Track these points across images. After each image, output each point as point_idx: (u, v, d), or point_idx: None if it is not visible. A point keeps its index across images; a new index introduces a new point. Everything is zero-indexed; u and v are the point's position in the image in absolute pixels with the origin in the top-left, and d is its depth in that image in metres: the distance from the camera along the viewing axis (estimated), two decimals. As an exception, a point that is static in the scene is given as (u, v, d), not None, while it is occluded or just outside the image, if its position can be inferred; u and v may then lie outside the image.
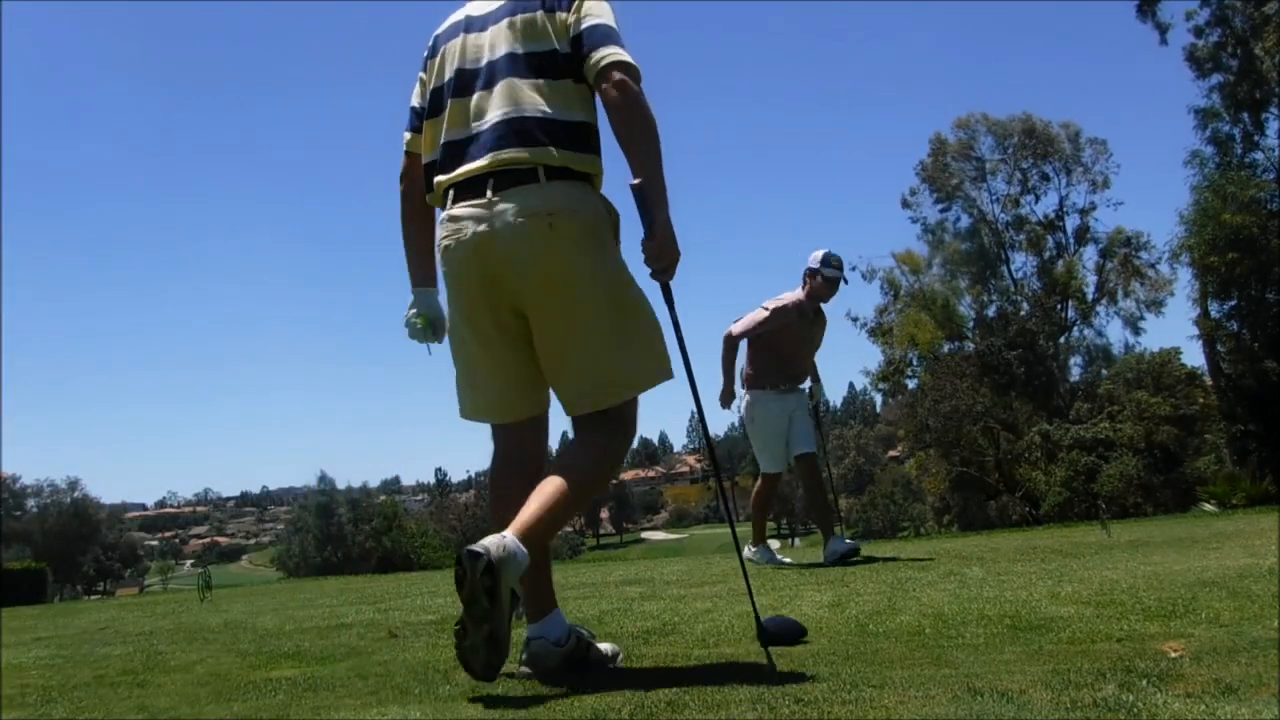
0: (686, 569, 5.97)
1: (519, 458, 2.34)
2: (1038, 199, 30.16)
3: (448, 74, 2.30)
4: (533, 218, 2.13)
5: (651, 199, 2.15)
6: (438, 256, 2.31)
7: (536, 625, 2.23)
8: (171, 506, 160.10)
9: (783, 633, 2.44)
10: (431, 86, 2.35)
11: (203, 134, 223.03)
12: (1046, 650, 2.08)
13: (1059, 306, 29.64)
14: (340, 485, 49.82)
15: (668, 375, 2.30)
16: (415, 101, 2.42)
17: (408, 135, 2.43)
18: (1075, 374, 30.29)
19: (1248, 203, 21.45)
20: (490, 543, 1.94)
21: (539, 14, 2.22)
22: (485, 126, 2.20)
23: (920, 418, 28.46)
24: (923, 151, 31.06)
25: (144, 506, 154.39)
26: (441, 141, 2.28)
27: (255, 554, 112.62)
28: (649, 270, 2.19)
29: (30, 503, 63.85)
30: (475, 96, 2.24)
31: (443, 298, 2.40)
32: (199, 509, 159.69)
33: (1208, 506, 18.03)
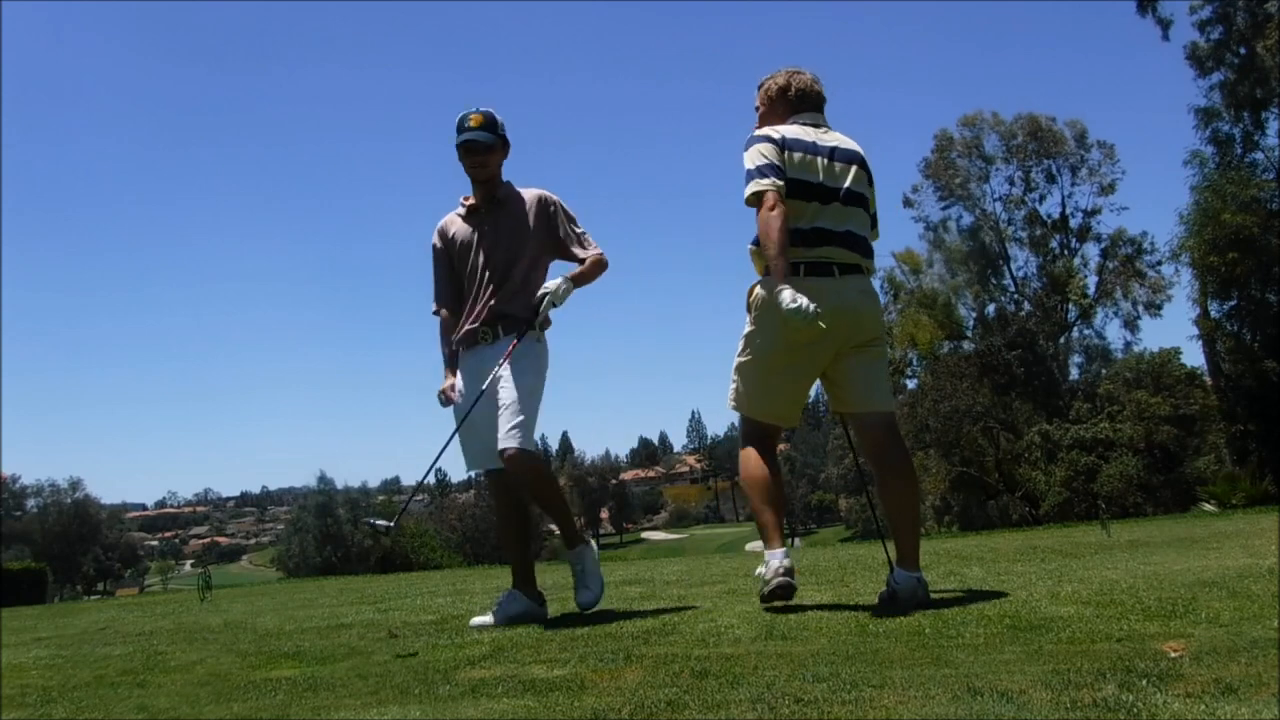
0: (686, 569, 5.98)
1: (771, 450, 3.33)
2: (1042, 199, 30.17)
3: (809, 178, 3.17)
4: (864, 294, 3.23)
5: None
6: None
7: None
8: (171, 507, 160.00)
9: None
10: (798, 177, 3.16)
11: (204, 131, 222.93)
12: (1046, 650, 2.08)
13: (1059, 306, 29.64)
14: (340, 485, 49.81)
15: None
16: (775, 160, 3.15)
17: (774, 182, 3.11)
18: (1075, 374, 30.30)
19: (1248, 203, 21.46)
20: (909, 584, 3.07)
21: (868, 177, 3.32)
22: (839, 230, 3.19)
23: (920, 418, 28.46)
24: (922, 151, 31.08)
25: (144, 507, 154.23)
26: (805, 227, 3.15)
27: (255, 554, 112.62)
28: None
29: (30, 503, 63.87)
30: (832, 206, 3.19)
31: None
32: (199, 509, 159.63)
33: (1208, 506, 18.06)
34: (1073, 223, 29.91)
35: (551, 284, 3.56)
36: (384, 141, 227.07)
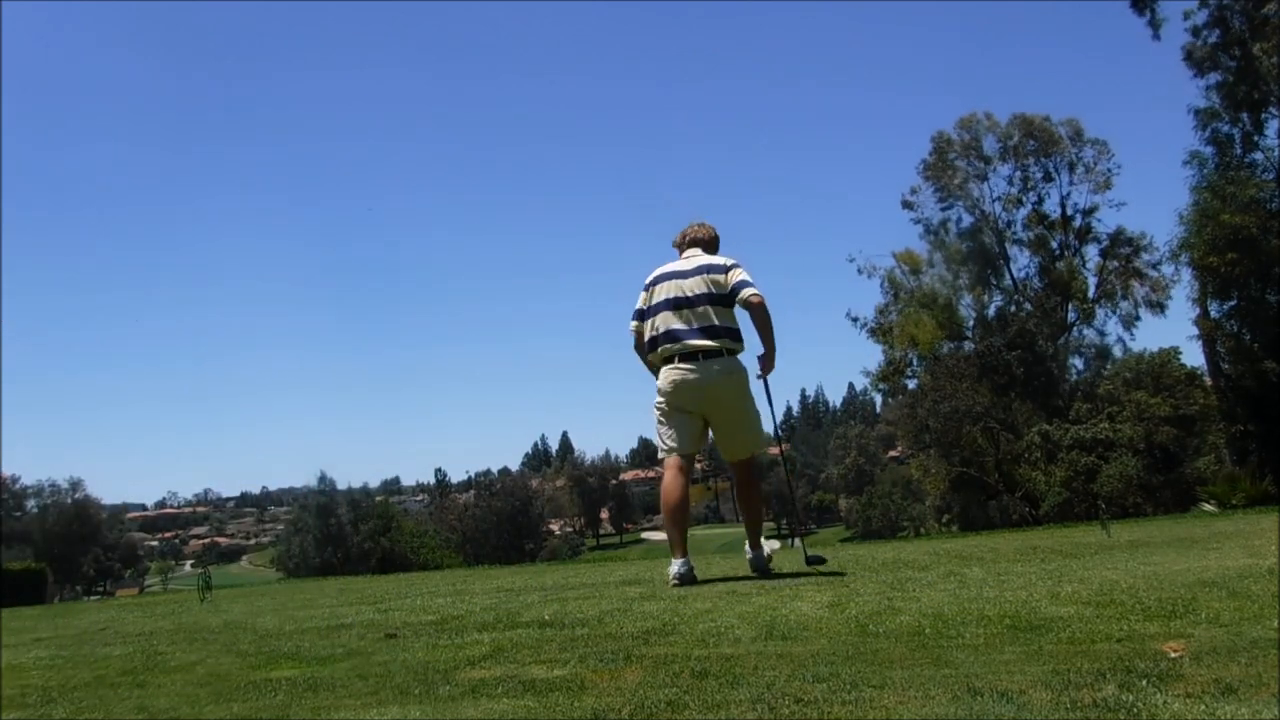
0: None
1: (686, 473, 4.64)
2: (1041, 200, 30.11)
3: (664, 296, 4.60)
4: (724, 372, 4.50)
5: (768, 356, 4.60)
6: (668, 384, 4.54)
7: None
8: (171, 507, 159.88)
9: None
10: (654, 302, 4.64)
11: (204, 131, 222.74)
12: (1046, 650, 2.08)
13: (1059, 306, 29.61)
14: (340, 486, 49.81)
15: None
16: (640, 305, 4.72)
17: (634, 324, 4.74)
18: (1075, 374, 30.27)
19: (1247, 203, 21.44)
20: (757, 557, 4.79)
21: (719, 275, 4.56)
22: (694, 327, 4.53)
23: (920, 418, 28.45)
24: (920, 150, 31.06)
25: (144, 507, 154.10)
26: (663, 330, 4.58)
27: (255, 554, 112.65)
28: (760, 375, 4.67)
29: (30, 503, 63.83)
30: (685, 311, 4.55)
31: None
32: (199, 509, 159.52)
33: (1208, 507, 18.04)
34: (1071, 224, 29.88)
35: None
36: (384, 141, 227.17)
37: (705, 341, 4.49)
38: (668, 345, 4.54)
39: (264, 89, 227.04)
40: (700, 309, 4.53)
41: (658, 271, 4.74)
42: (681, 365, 4.51)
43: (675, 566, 4.43)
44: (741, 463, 4.71)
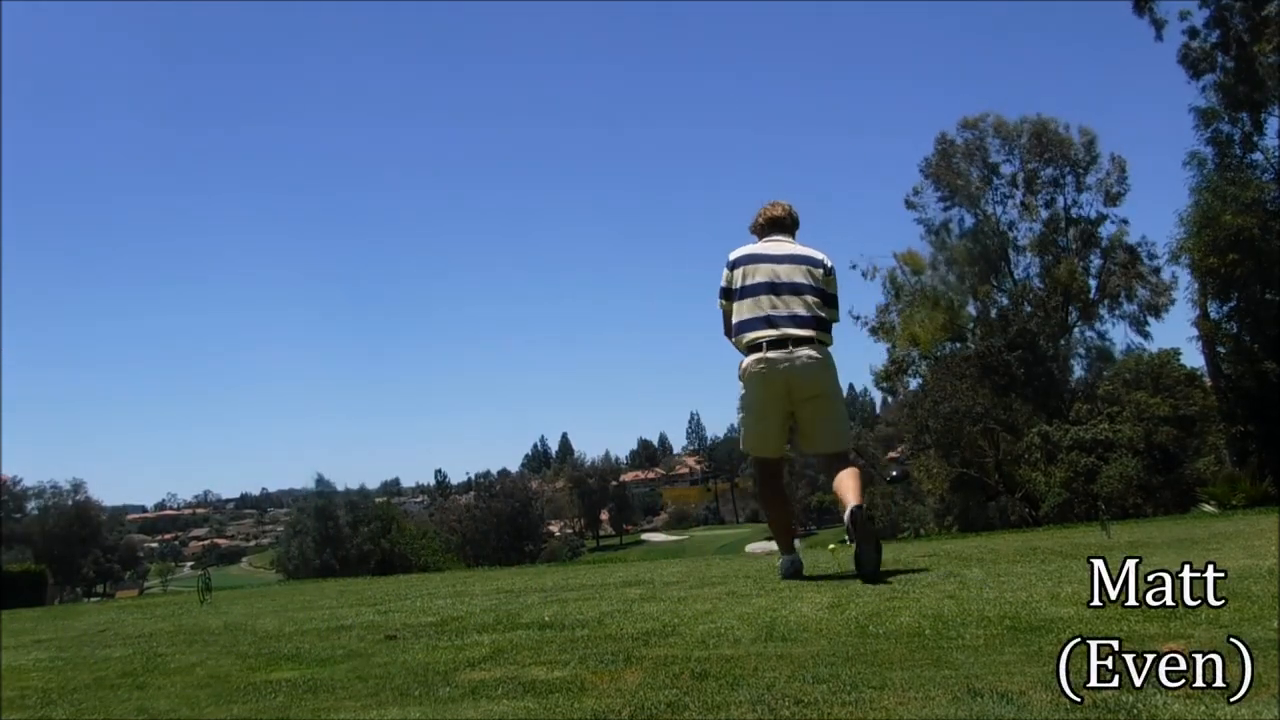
0: (686, 570, 5.96)
1: (775, 479, 4.64)
2: (1048, 205, 30.07)
3: (757, 280, 4.33)
4: (816, 360, 4.23)
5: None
6: (750, 375, 4.26)
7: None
8: (171, 508, 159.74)
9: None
10: (751, 282, 4.33)
11: (203, 130, 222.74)
12: (1046, 651, 2.08)
13: (1060, 307, 29.59)
14: (340, 487, 49.70)
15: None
16: (724, 285, 4.44)
17: (723, 303, 4.46)
18: (1078, 375, 30.26)
19: (1248, 204, 21.44)
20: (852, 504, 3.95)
21: (819, 271, 4.36)
22: (790, 314, 4.25)
23: (920, 419, 28.46)
24: (923, 150, 31.04)
25: (144, 509, 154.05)
26: (758, 315, 4.28)
27: (255, 556, 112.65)
28: None
29: (30, 505, 63.76)
30: (782, 297, 4.29)
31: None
32: (199, 511, 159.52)
33: (1207, 507, 18.04)
34: (1075, 228, 29.84)
35: None
36: (384, 140, 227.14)
37: (800, 331, 4.21)
38: (760, 332, 4.25)
39: (266, 86, 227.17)
40: (801, 296, 4.28)
41: (743, 251, 4.45)
42: (770, 354, 4.20)
43: (781, 561, 4.45)
44: (833, 456, 4.33)
